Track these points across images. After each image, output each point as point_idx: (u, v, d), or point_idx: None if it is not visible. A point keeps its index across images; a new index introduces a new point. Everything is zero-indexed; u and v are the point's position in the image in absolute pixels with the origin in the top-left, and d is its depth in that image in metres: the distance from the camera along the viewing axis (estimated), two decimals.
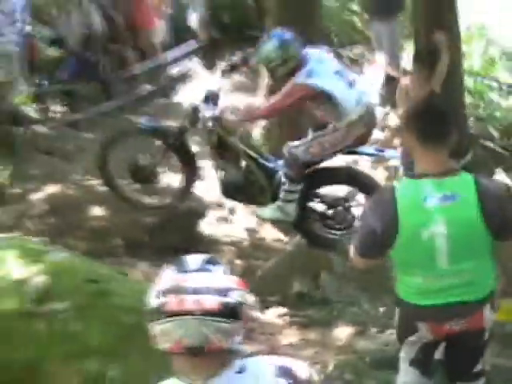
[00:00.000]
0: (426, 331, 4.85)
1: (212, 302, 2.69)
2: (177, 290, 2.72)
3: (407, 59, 13.04)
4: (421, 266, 4.71)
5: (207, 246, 9.37)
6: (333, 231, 8.82)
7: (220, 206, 10.21)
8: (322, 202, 8.83)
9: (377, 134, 12.97)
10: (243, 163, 8.74)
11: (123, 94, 14.43)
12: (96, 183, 10.56)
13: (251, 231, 10.01)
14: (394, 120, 12.93)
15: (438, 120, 4.80)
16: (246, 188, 8.78)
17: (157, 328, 2.75)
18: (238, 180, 8.78)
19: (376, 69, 14.26)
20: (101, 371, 5.80)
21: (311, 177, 8.68)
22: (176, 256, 7.86)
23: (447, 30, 9.80)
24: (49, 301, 6.05)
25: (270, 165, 8.70)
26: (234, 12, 17.28)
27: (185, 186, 8.97)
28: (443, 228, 4.57)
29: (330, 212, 8.85)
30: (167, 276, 2.81)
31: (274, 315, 7.83)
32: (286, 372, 2.84)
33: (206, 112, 8.50)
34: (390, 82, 13.23)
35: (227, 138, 8.61)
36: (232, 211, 10.18)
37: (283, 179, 8.51)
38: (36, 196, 10.81)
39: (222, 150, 8.77)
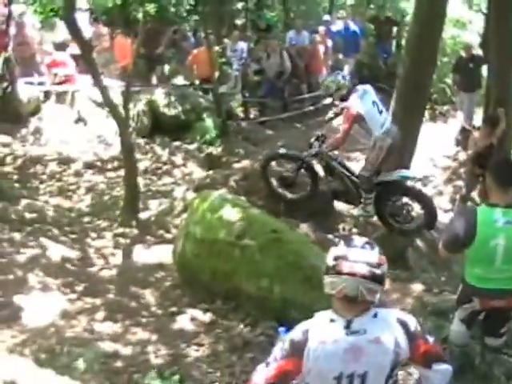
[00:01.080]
0: (477, 303, 4.91)
1: (368, 270, 2.81)
2: (345, 258, 2.83)
3: (478, 120, 12.78)
4: (484, 262, 4.74)
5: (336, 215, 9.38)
6: (401, 223, 8.72)
7: None
8: (393, 204, 8.75)
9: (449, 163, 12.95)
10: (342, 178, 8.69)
11: (294, 110, 14.52)
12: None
13: None
14: (462, 156, 12.74)
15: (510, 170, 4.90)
16: (344, 194, 8.79)
17: (328, 279, 2.88)
18: (339, 189, 8.80)
19: (455, 122, 14.03)
20: (269, 288, 6.08)
21: (383, 188, 8.51)
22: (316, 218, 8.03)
23: (507, 106, 9.59)
24: (244, 238, 6.30)
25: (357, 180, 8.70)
26: (371, 69, 17.12)
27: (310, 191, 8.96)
28: (503, 241, 4.62)
29: (398, 212, 8.81)
30: (340, 247, 2.91)
31: None
32: (402, 322, 2.93)
33: (316, 147, 8.51)
34: (464, 132, 13.04)
35: (330, 163, 8.66)
36: None
37: (361, 190, 8.54)
38: (236, 165, 11.04)
39: (328, 171, 8.74)
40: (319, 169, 8.82)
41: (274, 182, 8.97)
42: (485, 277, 4.82)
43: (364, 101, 8.08)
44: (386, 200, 8.62)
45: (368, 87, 8.48)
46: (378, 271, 2.85)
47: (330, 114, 9.01)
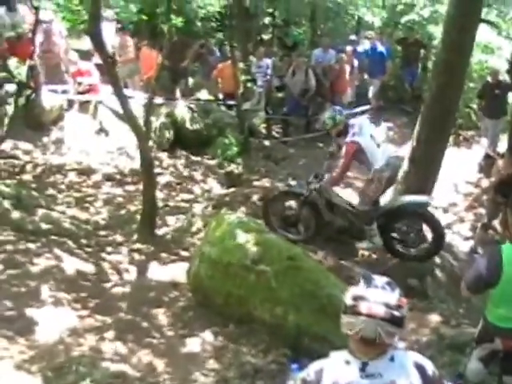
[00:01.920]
0: (499, 344, 4.81)
1: (387, 312, 2.74)
2: (365, 298, 2.77)
3: (503, 147, 12.63)
4: (508, 303, 4.64)
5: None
6: (409, 249, 8.60)
7: None
8: (399, 231, 8.65)
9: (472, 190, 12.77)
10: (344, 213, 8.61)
11: (317, 130, 14.40)
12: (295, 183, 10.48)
13: None
14: (485, 183, 12.57)
15: None
16: (348, 229, 8.68)
17: (346, 319, 2.82)
18: (342, 225, 8.69)
19: (479, 148, 13.89)
20: (284, 315, 5.97)
21: (387, 217, 8.41)
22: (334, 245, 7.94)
23: None
24: (260, 263, 6.22)
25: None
26: (396, 92, 17.04)
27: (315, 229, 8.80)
28: None
29: (405, 237, 8.70)
30: (360, 286, 2.84)
31: None
32: (419, 366, 2.86)
33: (315, 185, 8.44)
34: (488, 159, 12.89)
35: (331, 199, 8.56)
36: None
37: (363, 225, 8.44)
38: (256, 184, 10.98)
39: (330, 207, 8.61)
40: (321, 205, 8.66)
41: (277, 223, 8.80)
42: (506, 316, 4.71)
43: (362, 135, 8.08)
44: (391, 228, 8.54)
45: (365, 121, 8.52)
46: (397, 313, 2.78)
47: (328, 154, 8.93)
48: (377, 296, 2.78)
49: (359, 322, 2.76)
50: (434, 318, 7.28)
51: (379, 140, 8.33)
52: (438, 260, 8.79)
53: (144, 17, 14.55)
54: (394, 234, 8.55)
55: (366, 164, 8.27)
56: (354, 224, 8.48)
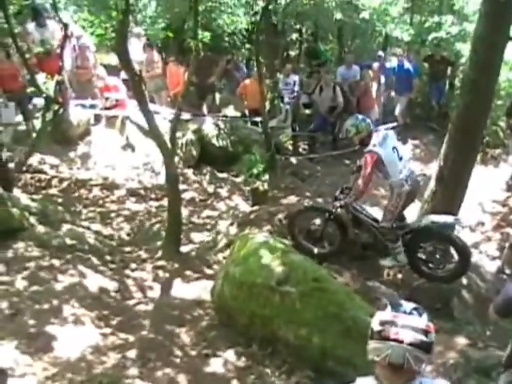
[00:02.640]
0: None
1: (416, 338, 2.68)
2: (393, 323, 2.71)
3: None
4: None
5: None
6: (434, 269, 8.50)
7: None
8: (425, 251, 8.55)
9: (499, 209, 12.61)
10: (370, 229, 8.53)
11: (344, 146, 14.32)
12: (321, 201, 10.43)
13: None
14: None
15: None
16: (373, 245, 8.61)
17: (373, 344, 2.77)
18: (368, 241, 8.59)
19: (507, 166, 13.72)
20: (308, 337, 5.90)
21: (414, 235, 8.30)
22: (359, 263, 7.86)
23: None
24: (285, 284, 6.15)
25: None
26: (423, 109, 16.92)
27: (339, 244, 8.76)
28: None
29: (431, 258, 8.58)
30: (387, 311, 2.79)
31: None
32: None
33: (342, 200, 8.33)
34: None
35: (357, 215, 8.48)
36: None
37: (387, 241, 8.32)
38: (283, 201, 10.92)
39: (356, 222, 8.52)
40: (347, 220, 8.60)
41: (301, 236, 8.76)
42: None
43: (384, 145, 7.96)
44: (417, 247, 8.44)
45: (390, 132, 8.41)
46: (425, 339, 2.71)
47: (354, 168, 8.85)
48: (405, 321, 2.73)
49: (387, 348, 2.70)
50: (461, 340, 7.13)
51: (403, 154, 8.19)
52: (464, 281, 8.65)
53: (171, 34, 14.55)
54: (420, 254, 8.44)
55: (385, 175, 8.13)
56: (379, 240, 8.38)
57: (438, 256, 8.51)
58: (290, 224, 8.79)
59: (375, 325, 2.78)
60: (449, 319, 7.92)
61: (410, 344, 2.68)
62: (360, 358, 2.79)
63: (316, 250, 8.67)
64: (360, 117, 8.50)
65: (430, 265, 8.45)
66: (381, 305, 2.94)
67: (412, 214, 8.89)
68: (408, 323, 2.72)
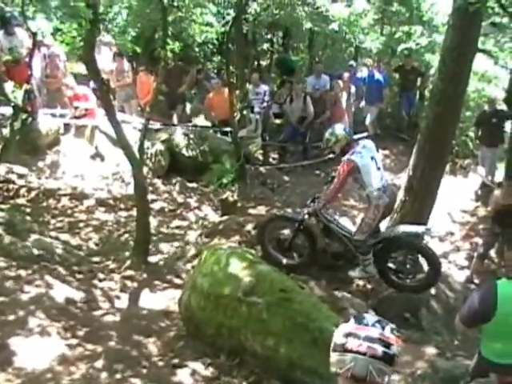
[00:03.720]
0: (495, 379, 4.75)
1: (379, 350, 2.66)
2: (356, 336, 2.70)
3: (500, 175, 12.63)
4: (505, 338, 4.60)
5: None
6: (405, 280, 8.54)
7: None
8: (395, 261, 8.60)
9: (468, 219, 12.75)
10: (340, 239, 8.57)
11: (314, 156, 14.38)
12: (290, 211, 10.46)
13: None
14: (481, 212, 12.57)
15: None
16: (343, 255, 8.63)
17: (335, 357, 2.73)
18: (338, 251, 8.67)
19: (475, 176, 13.87)
20: (275, 347, 5.88)
21: (385, 245, 8.37)
22: (330, 274, 7.87)
23: None
24: (252, 295, 6.12)
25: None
26: (393, 119, 17.07)
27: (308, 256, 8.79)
28: None
29: (401, 268, 8.64)
30: (350, 324, 2.77)
31: None
32: None
33: (311, 207, 8.38)
34: (485, 188, 12.91)
35: (327, 224, 8.46)
36: None
37: (358, 253, 8.35)
38: (252, 211, 10.93)
39: (326, 232, 8.55)
40: (317, 230, 8.63)
41: (271, 246, 8.78)
42: (505, 352, 4.66)
43: (362, 154, 7.97)
44: (387, 257, 8.50)
45: (369, 143, 8.42)
46: (388, 351, 2.70)
47: (328, 178, 8.89)
48: (367, 333, 2.72)
49: (350, 360, 2.68)
50: (429, 350, 7.19)
51: (379, 165, 8.23)
52: (432, 291, 8.73)
53: (138, 48, 14.56)
54: (390, 264, 8.49)
55: (361, 184, 8.16)
56: (350, 250, 8.43)
57: (407, 266, 8.57)
58: (260, 233, 8.80)
59: (338, 337, 2.76)
60: (417, 329, 8.01)
61: (373, 356, 2.67)
62: (327, 368, 2.77)
63: (285, 261, 8.68)
64: (339, 126, 8.57)
65: (400, 275, 8.51)
66: (346, 317, 2.96)
67: (382, 223, 8.95)
68: (371, 335, 2.71)
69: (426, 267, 8.39)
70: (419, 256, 8.49)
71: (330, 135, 8.22)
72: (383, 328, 2.76)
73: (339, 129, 8.34)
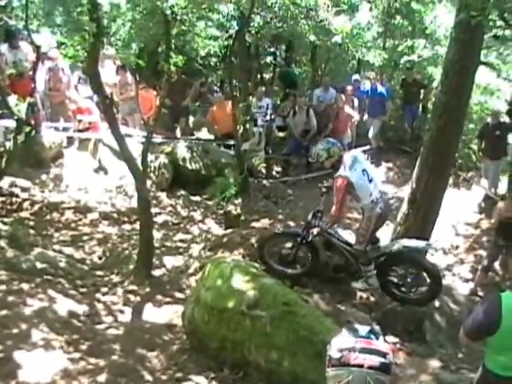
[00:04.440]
0: None
1: (376, 361, 2.65)
2: (351, 349, 2.67)
3: (503, 188, 12.64)
4: (509, 351, 4.55)
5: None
6: (405, 292, 8.52)
7: None
8: (397, 275, 8.57)
9: (472, 231, 12.73)
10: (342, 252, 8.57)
11: (317, 169, 14.35)
12: (293, 224, 10.46)
13: None
14: (485, 224, 12.56)
15: None
16: (345, 268, 8.59)
17: (332, 372, 2.70)
18: (339, 263, 8.62)
19: (479, 189, 13.86)
20: (279, 361, 5.88)
21: (386, 259, 8.35)
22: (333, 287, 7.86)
23: None
24: (255, 308, 6.14)
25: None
26: (396, 133, 17.08)
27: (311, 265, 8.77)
28: None
29: (403, 281, 8.59)
30: (344, 337, 2.74)
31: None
32: None
33: (315, 225, 8.28)
34: (488, 200, 12.91)
35: (330, 239, 8.46)
36: None
37: (360, 264, 8.31)
38: (255, 224, 10.92)
39: (328, 245, 8.53)
40: (319, 244, 8.63)
41: (273, 260, 8.75)
42: (510, 365, 4.64)
43: (354, 169, 7.89)
44: (389, 271, 8.48)
45: (359, 154, 8.42)
46: (385, 360, 2.69)
47: (323, 189, 8.86)
48: (363, 345, 2.70)
49: (347, 373, 2.66)
50: (433, 363, 7.18)
51: (373, 176, 8.17)
52: (436, 303, 8.71)
53: (142, 62, 14.63)
54: (392, 277, 8.47)
55: (355, 198, 8.09)
56: (351, 263, 8.41)
57: (409, 279, 8.54)
58: (260, 249, 8.77)
59: (333, 352, 2.73)
60: (421, 342, 7.98)
61: (371, 367, 2.65)
62: None
63: (290, 271, 8.68)
64: (331, 141, 8.41)
65: (402, 288, 8.49)
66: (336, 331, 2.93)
67: (385, 236, 8.93)
68: (366, 347, 2.69)
69: (427, 280, 8.36)
70: (421, 270, 8.46)
71: (322, 150, 8.04)
72: (377, 338, 2.75)
73: (331, 144, 8.19)
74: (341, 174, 7.83)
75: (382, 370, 2.67)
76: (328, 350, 2.76)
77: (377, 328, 2.86)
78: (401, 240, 8.49)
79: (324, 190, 8.78)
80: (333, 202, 8.03)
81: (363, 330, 2.79)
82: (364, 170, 8.01)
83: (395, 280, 8.48)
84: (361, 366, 2.65)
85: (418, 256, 8.43)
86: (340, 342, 2.74)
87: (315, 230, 8.31)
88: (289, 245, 8.83)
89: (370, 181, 8.06)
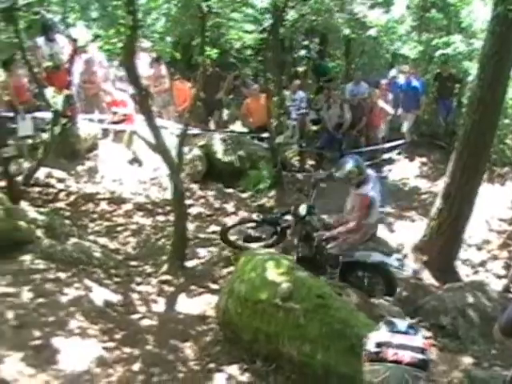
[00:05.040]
0: None
1: (414, 357, 2.60)
2: (389, 344, 2.63)
3: None
4: None
5: None
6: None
7: None
8: (356, 277, 8.56)
9: (506, 227, 12.58)
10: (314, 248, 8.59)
11: None
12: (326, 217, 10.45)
13: None
14: None
15: None
16: (310, 261, 8.48)
17: (369, 367, 2.66)
18: (306, 255, 8.58)
19: None
20: (312, 354, 5.88)
21: (352, 266, 8.41)
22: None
23: None
24: (289, 301, 6.14)
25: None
26: (430, 127, 16.92)
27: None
28: None
29: (360, 283, 8.50)
30: (382, 331, 2.70)
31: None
32: None
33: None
34: None
35: (311, 233, 8.47)
36: None
37: (327, 265, 8.33)
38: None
39: (304, 239, 8.61)
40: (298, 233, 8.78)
41: (240, 241, 9.12)
42: None
43: (375, 189, 8.04)
44: (352, 273, 8.53)
45: (374, 175, 8.43)
46: (423, 357, 2.65)
47: (313, 180, 9.01)
48: (401, 341, 2.65)
49: (385, 369, 2.61)
50: (466, 360, 7.12)
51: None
52: (470, 299, 8.61)
53: (179, 49, 14.65)
54: (352, 279, 8.52)
55: (366, 215, 8.11)
56: (318, 261, 8.47)
57: (365, 282, 8.60)
58: (224, 234, 9.21)
59: (371, 346, 2.69)
60: (453, 338, 7.90)
61: (408, 364, 2.62)
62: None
63: (258, 244, 9.08)
64: (356, 157, 8.49)
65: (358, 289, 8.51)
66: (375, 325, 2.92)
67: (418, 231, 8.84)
68: (404, 342, 2.65)
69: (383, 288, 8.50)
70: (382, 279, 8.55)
71: (354, 167, 8.05)
72: (416, 333, 2.72)
73: (360, 162, 8.24)
74: (368, 193, 7.95)
75: (420, 366, 2.64)
76: (365, 345, 2.73)
77: (415, 323, 2.83)
78: (374, 253, 8.46)
79: (316, 181, 8.89)
80: (329, 199, 8.12)
81: (402, 324, 2.75)
82: (379, 191, 8.19)
83: (354, 281, 8.51)
84: (399, 363, 2.62)
85: (385, 267, 8.44)
86: (378, 337, 2.71)
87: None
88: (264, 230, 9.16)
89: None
